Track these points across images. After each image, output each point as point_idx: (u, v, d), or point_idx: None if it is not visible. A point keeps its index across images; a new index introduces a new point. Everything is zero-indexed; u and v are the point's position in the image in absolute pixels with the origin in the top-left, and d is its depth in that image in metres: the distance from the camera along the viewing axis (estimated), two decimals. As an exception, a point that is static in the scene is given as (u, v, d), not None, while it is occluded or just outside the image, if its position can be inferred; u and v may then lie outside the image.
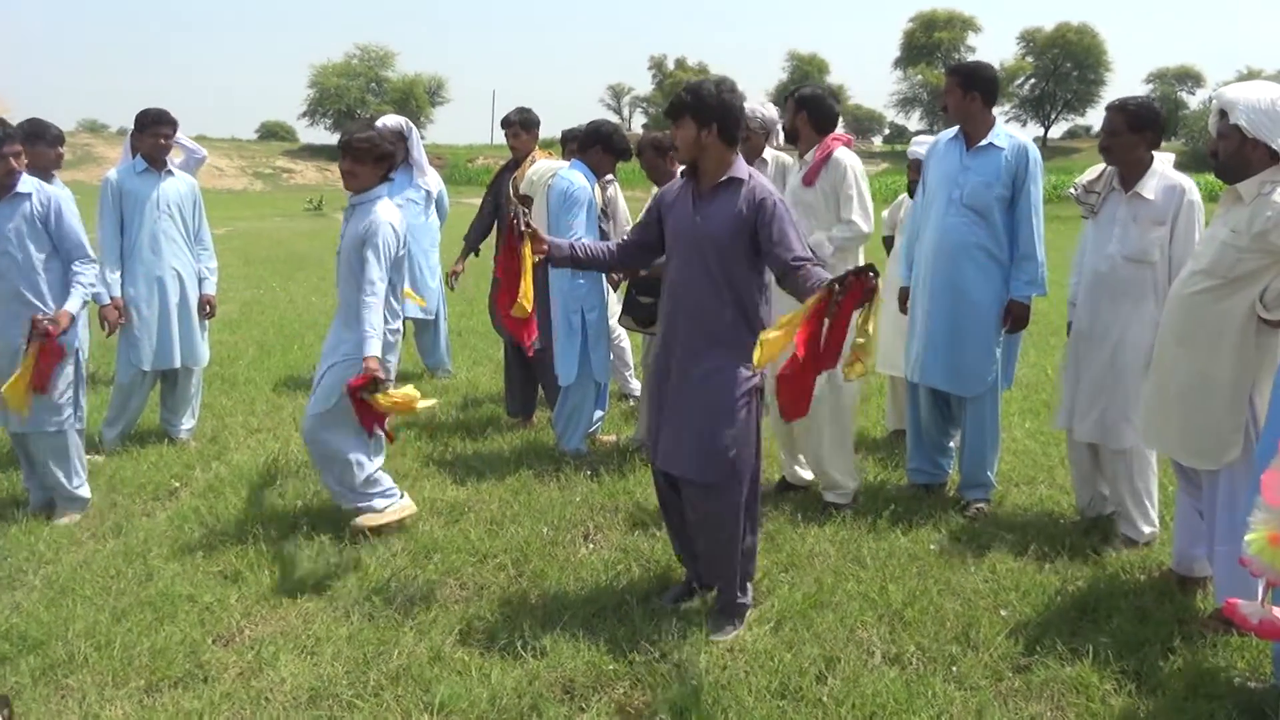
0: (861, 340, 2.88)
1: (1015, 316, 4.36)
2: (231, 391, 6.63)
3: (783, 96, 4.83)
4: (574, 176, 4.95)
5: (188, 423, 5.57)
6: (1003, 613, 3.46)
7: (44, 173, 5.07)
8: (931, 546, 4.03)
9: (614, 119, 62.53)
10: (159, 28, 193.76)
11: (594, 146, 5.04)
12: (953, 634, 3.32)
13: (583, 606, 3.49)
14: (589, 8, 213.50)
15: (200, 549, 3.97)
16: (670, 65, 76.22)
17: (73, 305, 4.20)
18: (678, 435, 3.30)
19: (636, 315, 4.97)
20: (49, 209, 4.23)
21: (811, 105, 4.43)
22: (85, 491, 4.42)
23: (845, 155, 4.40)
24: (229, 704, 2.89)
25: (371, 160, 3.98)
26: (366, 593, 3.58)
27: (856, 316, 2.86)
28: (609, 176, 5.39)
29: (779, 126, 5.27)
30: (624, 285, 5.36)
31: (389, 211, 4.01)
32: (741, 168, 3.23)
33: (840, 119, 4.58)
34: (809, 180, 4.42)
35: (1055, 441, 5.36)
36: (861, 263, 4.54)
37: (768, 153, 5.85)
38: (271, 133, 63.89)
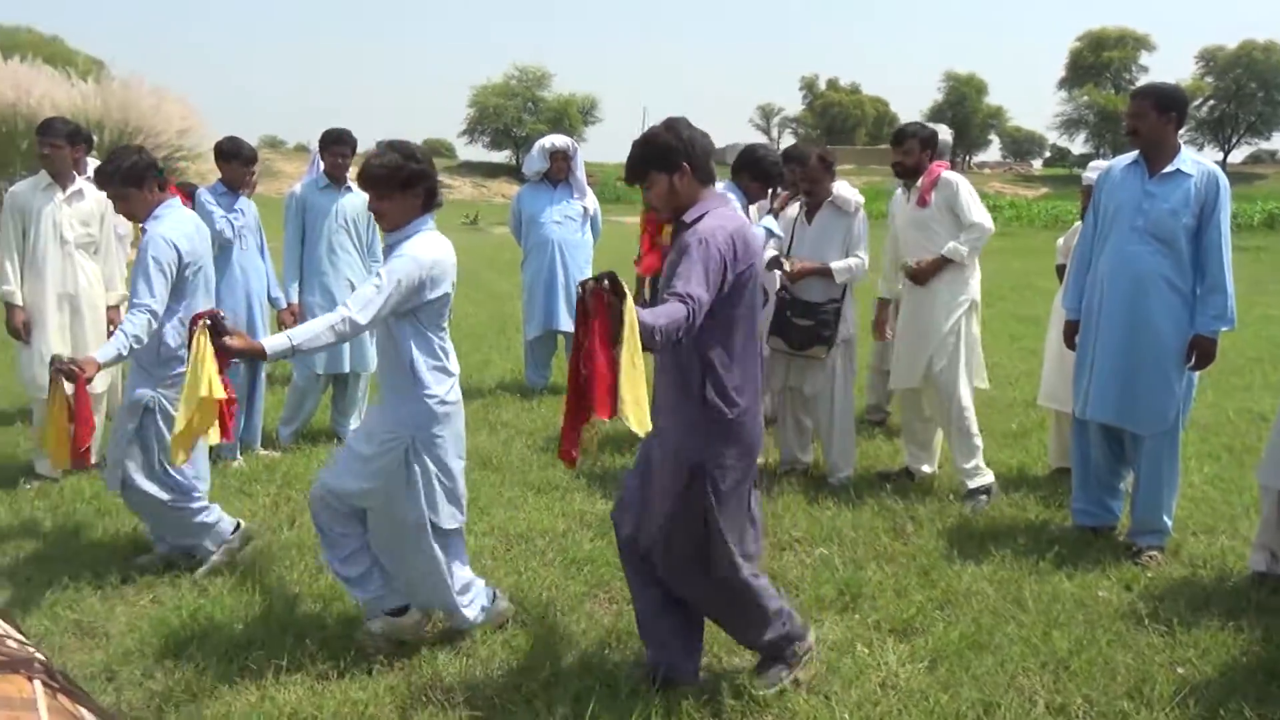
0: (624, 379, 2.41)
1: (1201, 352, 4.10)
2: (393, 397, 6.93)
3: (901, 134, 4.97)
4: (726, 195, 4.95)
5: (354, 423, 5.87)
6: (1179, 670, 3.24)
7: (234, 190, 5.47)
8: (1100, 593, 3.82)
9: (763, 139, 62.50)
10: (333, 50, 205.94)
11: (743, 171, 5.01)
12: (1124, 689, 3.14)
13: (721, 630, 3.46)
14: (740, 27, 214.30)
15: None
16: (822, 85, 75.56)
17: (104, 354, 3.60)
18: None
19: (789, 338, 4.93)
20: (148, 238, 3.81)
21: (934, 141, 4.97)
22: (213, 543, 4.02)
23: (952, 174, 4.89)
24: (391, 697, 3.02)
25: (398, 188, 3.11)
26: (519, 601, 3.67)
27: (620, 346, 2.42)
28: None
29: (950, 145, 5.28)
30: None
31: (426, 246, 3.13)
32: (700, 207, 2.83)
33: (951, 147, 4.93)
34: (924, 201, 4.89)
35: (1238, 489, 5.00)
36: (976, 270, 4.93)
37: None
38: (433, 150, 66.58)
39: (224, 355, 2.95)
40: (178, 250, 3.77)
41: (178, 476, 3.91)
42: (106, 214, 5.30)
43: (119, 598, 3.69)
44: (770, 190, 5.10)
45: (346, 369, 5.73)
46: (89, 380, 3.47)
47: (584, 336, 2.44)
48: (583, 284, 2.43)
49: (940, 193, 4.84)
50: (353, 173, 6.04)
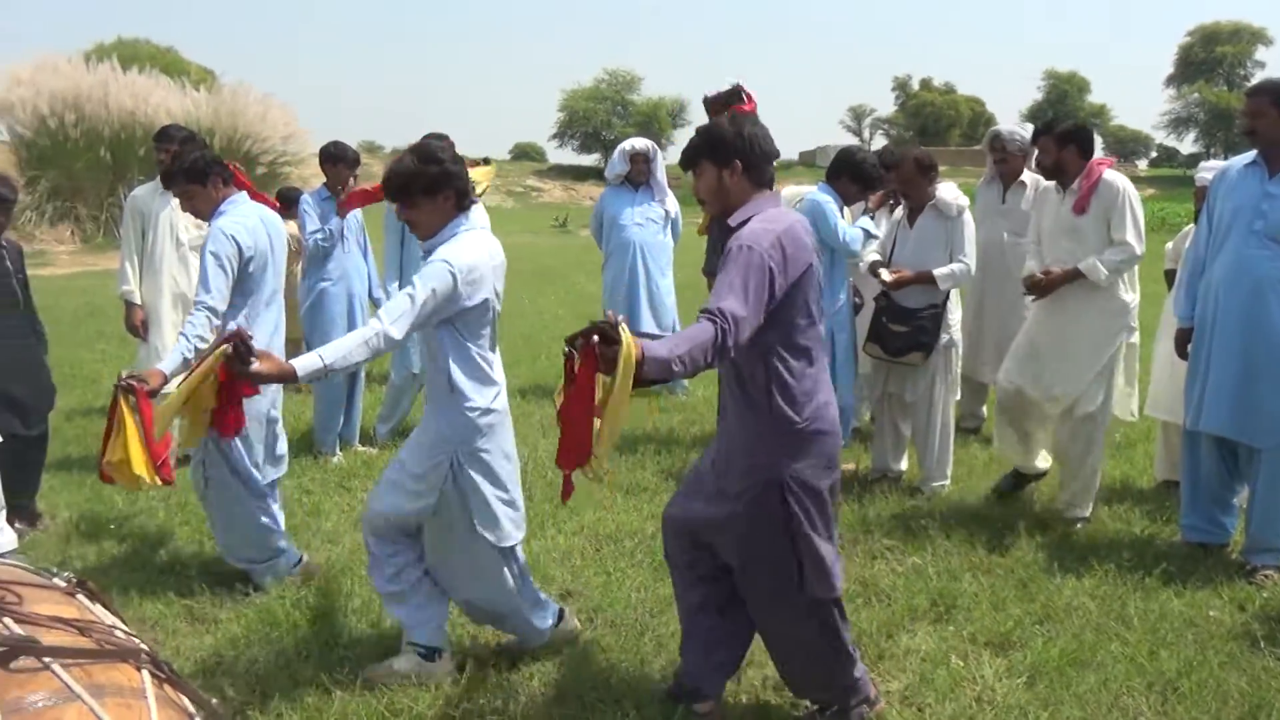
0: (601, 424, 2.38)
1: (1324, 362, 3.88)
2: (485, 396, 7.07)
3: (1035, 131, 4.72)
4: (821, 196, 4.90)
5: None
6: (1299, 697, 3.08)
7: (337, 193, 5.65)
8: (1211, 613, 3.66)
9: (854, 141, 61.60)
10: (427, 55, 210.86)
11: (842, 175, 4.93)
12: (1236, 714, 2.99)
13: (821, 637, 3.43)
14: (831, 27, 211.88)
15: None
16: (915, 85, 74.13)
17: (169, 363, 3.44)
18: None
19: (886, 344, 4.85)
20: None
21: (1081, 137, 4.42)
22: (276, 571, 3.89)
23: (1115, 177, 4.36)
24: (484, 691, 3.07)
25: (421, 194, 2.93)
26: (610, 602, 3.70)
27: (602, 389, 2.33)
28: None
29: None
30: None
31: (462, 250, 2.93)
32: (748, 209, 2.66)
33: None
34: (1080, 207, 4.35)
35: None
36: (1132, 290, 4.47)
37: (1026, 175, 5.58)
38: (524, 153, 67.71)
39: (248, 383, 2.83)
40: (238, 244, 3.66)
41: (257, 476, 3.80)
42: None
43: (226, 586, 3.84)
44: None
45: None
46: (153, 394, 3.19)
47: (569, 389, 2.40)
48: (569, 340, 2.36)
49: (1100, 199, 4.32)
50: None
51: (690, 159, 2.75)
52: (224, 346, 2.77)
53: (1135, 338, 4.64)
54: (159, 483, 3.15)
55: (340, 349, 2.77)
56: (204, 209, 3.81)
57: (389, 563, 3.14)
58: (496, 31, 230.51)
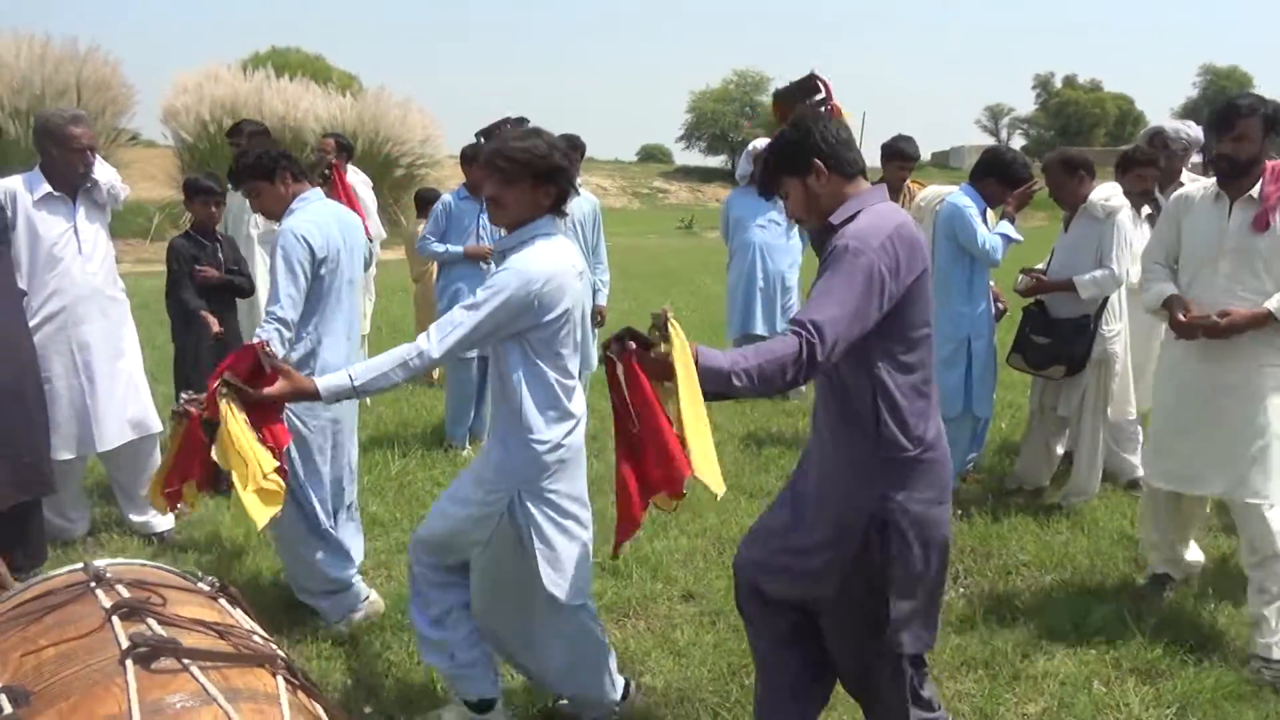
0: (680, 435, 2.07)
1: None
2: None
3: (1232, 112, 3.31)
4: (962, 200, 4.74)
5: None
6: None
7: (476, 193, 5.79)
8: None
9: (990, 141, 59.58)
10: (554, 57, 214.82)
11: (989, 176, 4.73)
12: None
13: (953, 654, 3.33)
14: (967, 22, 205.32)
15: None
16: (1058, 83, 71.09)
17: None
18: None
19: (1028, 355, 4.64)
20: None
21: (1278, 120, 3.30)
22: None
23: None
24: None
25: (531, 178, 2.57)
26: (733, 606, 3.66)
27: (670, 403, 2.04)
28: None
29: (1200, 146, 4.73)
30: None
31: (541, 257, 2.56)
32: (851, 205, 2.30)
33: None
34: (1265, 223, 3.31)
35: None
36: None
37: (1185, 176, 5.25)
38: (650, 155, 68.15)
39: (263, 405, 2.49)
40: (309, 245, 3.28)
41: (321, 513, 3.48)
42: None
43: (363, 572, 3.98)
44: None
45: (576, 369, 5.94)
46: (206, 418, 2.64)
47: (619, 402, 2.10)
48: (605, 345, 2.08)
49: None
50: (583, 177, 6.29)
51: (768, 184, 2.42)
52: (217, 385, 2.45)
53: None
54: (194, 500, 2.81)
55: (375, 367, 2.47)
56: (272, 207, 3.49)
57: (434, 601, 2.80)
58: (625, 33, 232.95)
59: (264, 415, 2.52)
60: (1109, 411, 4.72)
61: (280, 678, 1.47)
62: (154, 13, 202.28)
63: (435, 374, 7.23)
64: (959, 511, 4.64)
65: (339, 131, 8.73)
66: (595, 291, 6.04)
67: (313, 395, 2.47)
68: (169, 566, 1.84)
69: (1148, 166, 4.84)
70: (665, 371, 2.04)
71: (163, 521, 4.30)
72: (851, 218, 2.26)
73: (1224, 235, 3.40)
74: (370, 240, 6.71)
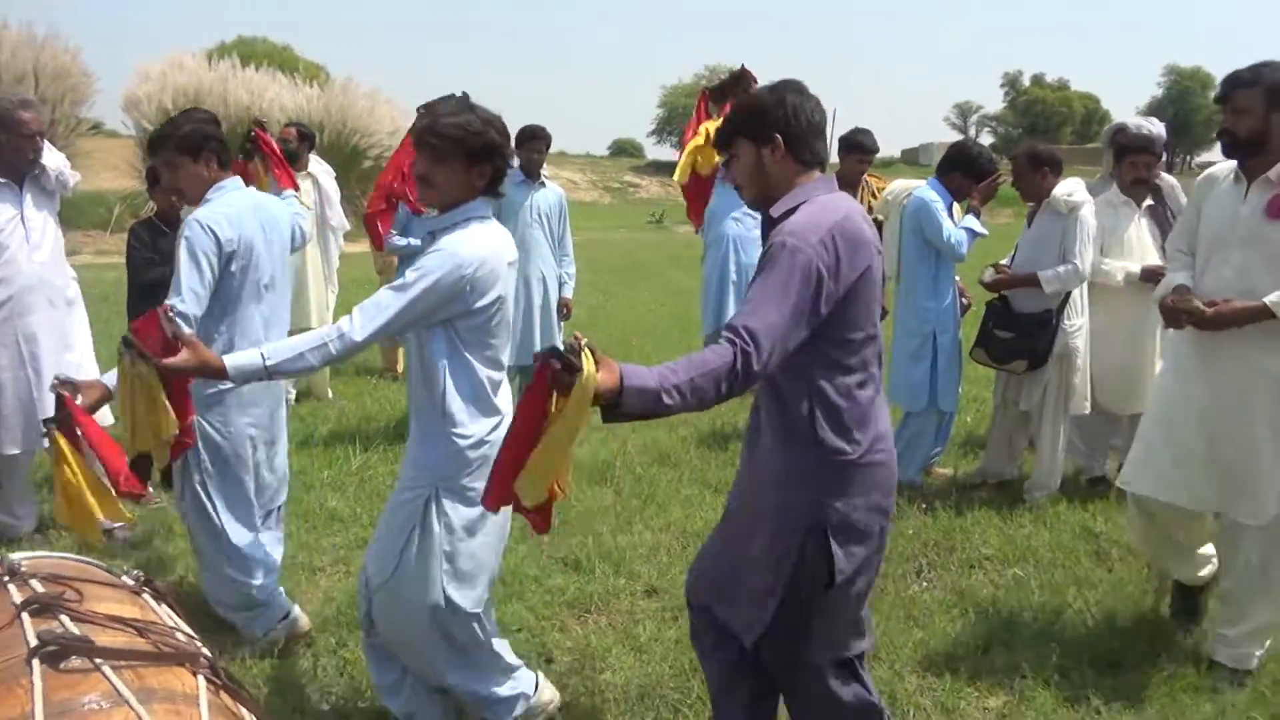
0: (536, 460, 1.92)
1: None
2: (577, 389, 7.07)
3: (1227, 82, 3.05)
4: (929, 194, 4.72)
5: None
6: None
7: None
8: None
9: (958, 138, 59.95)
10: (524, 53, 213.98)
11: (955, 170, 4.73)
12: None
13: (916, 649, 3.30)
14: (936, 21, 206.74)
15: (547, 535, 4.22)
16: (1026, 81, 71.81)
17: (111, 375, 2.68)
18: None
19: (992, 350, 4.64)
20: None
21: None
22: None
23: None
24: (566, 691, 3.03)
25: (464, 157, 2.41)
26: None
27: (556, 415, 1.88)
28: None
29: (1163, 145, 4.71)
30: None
31: (475, 240, 2.43)
32: (794, 196, 2.17)
33: None
34: (1276, 209, 2.94)
35: None
36: None
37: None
38: (622, 149, 68.09)
39: (175, 379, 2.35)
40: (216, 237, 2.98)
41: (234, 523, 3.21)
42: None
43: (319, 569, 3.90)
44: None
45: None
46: (92, 409, 2.62)
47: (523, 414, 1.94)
48: (536, 355, 1.91)
49: None
50: (547, 169, 6.22)
51: (725, 137, 2.28)
52: (120, 344, 2.35)
53: None
54: (125, 516, 2.63)
55: (291, 348, 2.31)
56: (188, 188, 3.15)
57: (388, 670, 2.69)
58: (598, 26, 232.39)
59: (171, 387, 2.40)
60: (1069, 406, 4.71)
61: (201, 677, 1.40)
62: (120, 2, 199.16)
63: (400, 366, 7.13)
64: (923, 505, 4.63)
65: (303, 122, 8.59)
66: (561, 284, 5.98)
67: (219, 372, 2.29)
68: (92, 560, 1.76)
69: (1140, 153, 4.61)
70: (565, 388, 1.85)
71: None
72: (792, 211, 2.13)
73: (1237, 221, 3.05)
74: (334, 230, 6.62)
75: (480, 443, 2.48)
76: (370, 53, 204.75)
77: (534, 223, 5.81)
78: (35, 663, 1.28)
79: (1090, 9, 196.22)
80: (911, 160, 53.22)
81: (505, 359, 2.56)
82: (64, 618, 1.40)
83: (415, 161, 2.49)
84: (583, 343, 1.83)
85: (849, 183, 5.65)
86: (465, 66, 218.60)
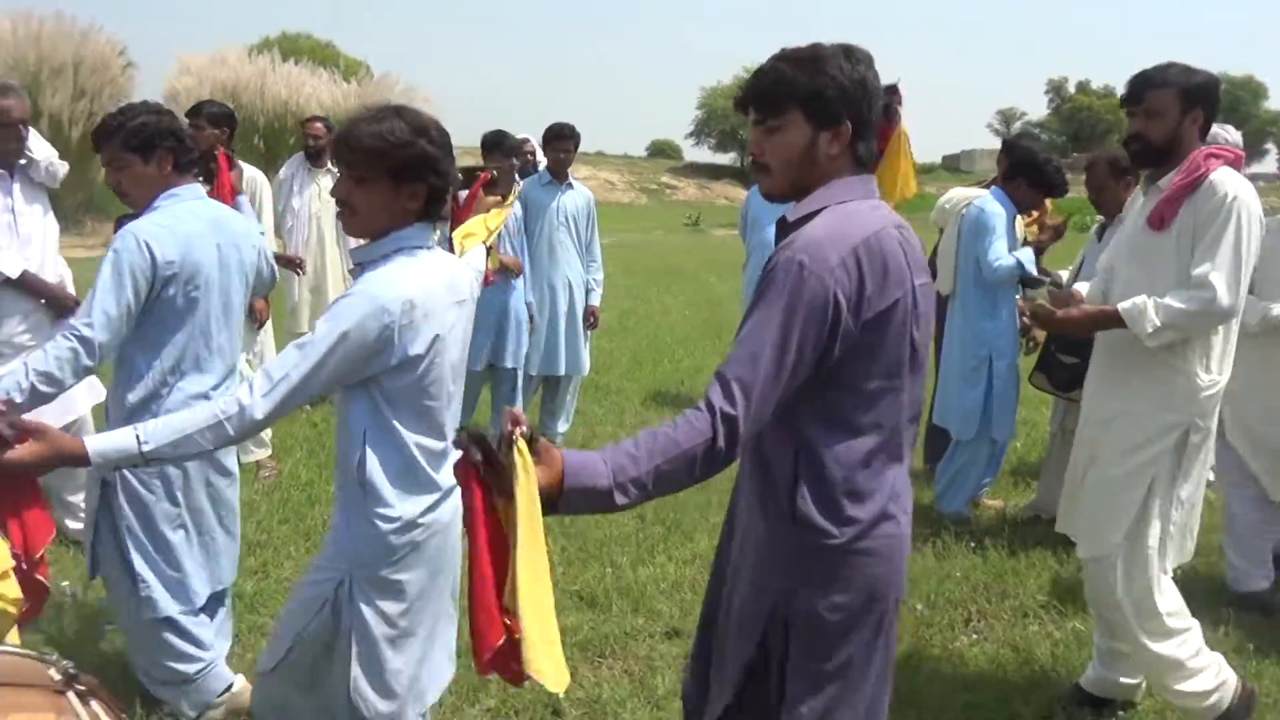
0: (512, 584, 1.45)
1: None
2: (604, 400, 6.80)
3: (1143, 82, 2.74)
4: (991, 205, 4.35)
5: (562, 426, 5.75)
6: None
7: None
8: None
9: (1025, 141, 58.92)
10: (565, 52, 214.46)
11: (1018, 177, 4.31)
12: None
13: (964, 712, 2.96)
14: (980, 27, 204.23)
15: (562, 565, 3.94)
16: (1071, 88, 70.53)
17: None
18: None
19: (1053, 376, 4.25)
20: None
21: (1203, 96, 2.65)
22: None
23: (1227, 179, 2.60)
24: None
25: (386, 174, 1.97)
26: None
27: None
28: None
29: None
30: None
31: (401, 279, 1.97)
32: (819, 197, 1.70)
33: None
34: (1160, 219, 2.66)
35: None
36: (1213, 363, 2.66)
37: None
38: (659, 150, 67.75)
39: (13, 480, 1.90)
40: (151, 255, 2.50)
41: (165, 595, 2.67)
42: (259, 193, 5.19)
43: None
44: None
45: (562, 371, 5.60)
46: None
47: (470, 521, 1.51)
48: (456, 440, 1.48)
49: (1191, 209, 2.61)
50: (584, 170, 5.93)
51: (771, 99, 1.69)
52: None
53: (1207, 438, 2.76)
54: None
55: (176, 428, 1.86)
56: (136, 191, 2.66)
57: None
58: (637, 27, 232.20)
59: (13, 493, 1.87)
60: (1179, 491, 4.23)
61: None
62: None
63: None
64: (971, 543, 4.27)
65: (333, 118, 8.38)
66: (588, 291, 5.70)
67: (81, 459, 1.83)
68: (15, 648, 1.49)
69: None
70: (504, 490, 1.45)
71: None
72: (811, 217, 1.66)
73: (1131, 234, 2.83)
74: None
75: (409, 525, 2.02)
76: (412, 50, 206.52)
77: (561, 226, 5.53)
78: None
79: (1136, 16, 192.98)
80: (953, 166, 52.37)
81: (451, 420, 2.10)
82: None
83: (336, 184, 2.04)
84: (518, 432, 1.41)
85: None
86: (506, 65, 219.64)
